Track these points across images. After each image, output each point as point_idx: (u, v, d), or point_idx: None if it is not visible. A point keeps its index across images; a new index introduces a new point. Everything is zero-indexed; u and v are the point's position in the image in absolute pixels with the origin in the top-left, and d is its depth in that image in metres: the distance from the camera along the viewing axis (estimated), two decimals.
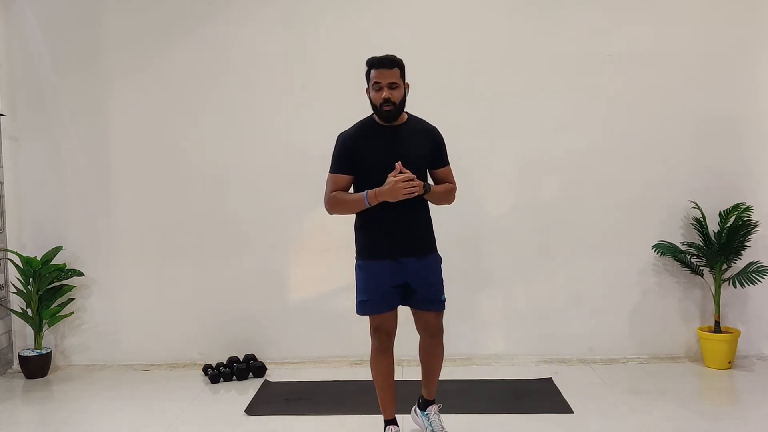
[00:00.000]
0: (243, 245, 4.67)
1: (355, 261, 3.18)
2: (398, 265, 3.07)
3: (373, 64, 3.05)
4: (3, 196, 4.62)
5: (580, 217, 4.59)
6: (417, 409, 3.49)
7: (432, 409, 3.38)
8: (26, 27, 4.65)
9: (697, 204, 4.46)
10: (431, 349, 3.27)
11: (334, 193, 3.08)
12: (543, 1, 4.56)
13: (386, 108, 3.01)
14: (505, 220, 4.61)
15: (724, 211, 4.40)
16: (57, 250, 4.58)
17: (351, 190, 3.15)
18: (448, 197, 3.19)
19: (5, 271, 4.65)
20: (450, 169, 3.22)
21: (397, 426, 3.29)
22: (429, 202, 3.17)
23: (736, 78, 4.53)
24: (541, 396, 3.94)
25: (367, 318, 3.21)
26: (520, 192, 4.62)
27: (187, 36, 4.63)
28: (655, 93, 4.54)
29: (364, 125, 3.13)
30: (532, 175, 4.61)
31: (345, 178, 3.09)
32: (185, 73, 4.64)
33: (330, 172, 3.12)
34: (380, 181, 2.98)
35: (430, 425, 3.33)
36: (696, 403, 3.91)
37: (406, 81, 3.09)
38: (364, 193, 2.99)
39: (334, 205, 3.09)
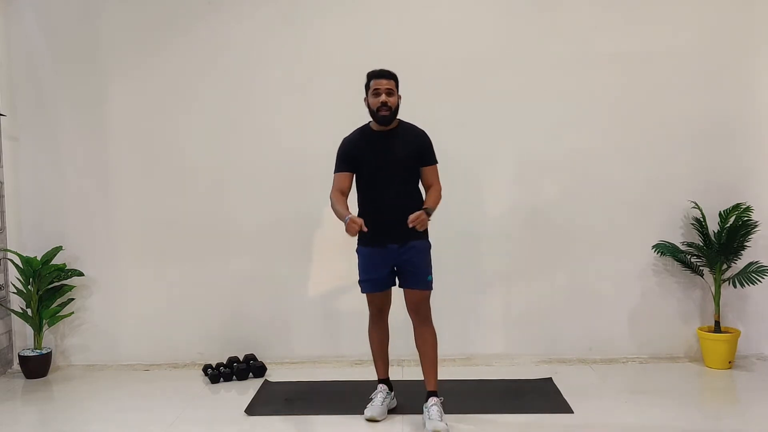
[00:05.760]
0: (243, 245, 4.67)
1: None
2: (386, 251, 3.52)
3: (374, 75, 3.51)
4: (3, 196, 4.62)
5: (580, 217, 4.59)
6: (423, 406, 3.55)
7: (432, 401, 3.49)
8: (26, 27, 4.65)
9: (697, 204, 4.46)
10: (422, 335, 3.58)
11: (334, 193, 3.57)
12: (543, 1, 4.56)
13: (383, 112, 3.47)
14: (505, 220, 4.61)
15: (724, 211, 4.40)
16: (57, 250, 4.58)
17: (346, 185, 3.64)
18: (439, 200, 3.57)
19: (5, 271, 4.65)
20: (436, 167, 3.61)
21: (385, 385, 3.71)
22: (416, 194, 3.58)
23: (735, 79, 4.53)
24: (541, 396, 3.93)
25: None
26: (520, 192, 4.62)
27: (186, 36, 4.63)
28: (655, 93, 4.54)
29: (361, 131, 3.62)
30: (533, 175, 4.61)
31: (345, 175, 3.58)
32: (185, 74, 4.64)
33: (334, 172, 3.61)
34: (375, 179, 3.54)
35: (428, 414, 3.42)
36: (696, 403, 3.91)
37: (399, 93, 3.55)
38: (346, 217, 3.39)
39: (331, 203, 3.57)
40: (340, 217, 3.44)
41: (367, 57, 4.50)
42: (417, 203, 3.53)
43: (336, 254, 4.59)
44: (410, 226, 3.36)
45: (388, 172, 3.51)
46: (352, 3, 4.60)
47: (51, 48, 4.66)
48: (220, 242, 4.68)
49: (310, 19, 4.59)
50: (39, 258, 4.48)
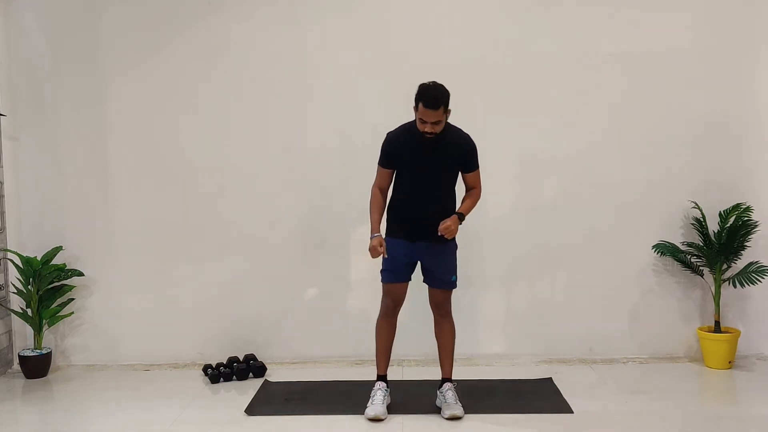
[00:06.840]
0: (243, 245, 4.66)
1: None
2: (414, 246, 3.58)
3: (424, 101, 3.38)
4: (3, 196, 4.62)
5: (580, 217, 4.59)
6: (437, 391, 3.73)
7: (447, 386, 3.67)
8: (26, 27, 4.64)
9: (697, 204, 4.46)
10: (441, 326, 3.72)
11: (374, 191, 3.65)
12: (544, 1, 4.56)
13: (428, 136, 3.45)
14: (505, 220, 4.61)
15: (724, 211, 4.40)
16: (57, 250, 4.58)
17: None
18: (475, 203, 3.69)
19: (5, 271, 4.65)
20: (478, 172, 3.68)
21: (384, 383, 3.69)
22: (453, 195, 3.64)
23: (736, 78, 4.53)
24: (541, 396, 3.93)
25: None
26: (520, 192, 4.62)
27: (186, 36, 4.62)
28: (656, 93, 4.54)
29: (407, 130, 3.57)
30: (533, 175, 4.61)
31: (387, 171, 3.63)
32: (185, 74, 4.63)
33: (378, 164, 3.65)
34: (413, 178, 3.57)
35: (444, 399, 3.61)
36: (696, 403, 3.92)
37: (449, 108, 3.45)
38: (374, 234, 3.56)
39: (370, 200, 3.66)
40: (371, 227, 3.58)
41: (366, 57, 4.53)
42: (451, 205, 3.61)
43: (336, 254, 4.60)
44: (439, 234, 3.47)
45: (427, 173, 3.55)
46: (352, 3, 4.60)
47: (51, 48, 4.66)
48: (220, 242, 4.67)
49: (310, 19, 4.58)
50: (39, 258, 4.48)
